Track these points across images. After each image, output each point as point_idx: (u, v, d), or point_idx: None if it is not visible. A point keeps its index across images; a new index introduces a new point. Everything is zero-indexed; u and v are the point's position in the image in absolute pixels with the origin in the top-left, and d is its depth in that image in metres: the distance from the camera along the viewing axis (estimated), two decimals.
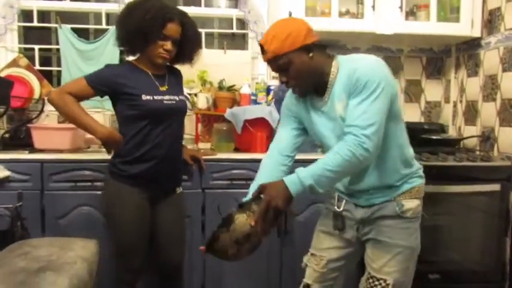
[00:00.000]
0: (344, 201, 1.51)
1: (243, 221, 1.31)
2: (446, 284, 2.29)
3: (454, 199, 2.26)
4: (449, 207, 2.27)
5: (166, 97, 1.76)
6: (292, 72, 1.37)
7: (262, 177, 1.50)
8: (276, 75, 2.75)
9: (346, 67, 1.35)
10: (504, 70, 2.36)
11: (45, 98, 2.57)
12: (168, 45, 1.69)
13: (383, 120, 1.30)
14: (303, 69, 1.36)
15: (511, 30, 2.31)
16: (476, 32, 2.51)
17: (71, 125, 2.27)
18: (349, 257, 1.55)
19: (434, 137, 2.55)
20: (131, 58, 1.85)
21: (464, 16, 2.49)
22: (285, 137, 1.56)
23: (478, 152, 2.43)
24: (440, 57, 2.95)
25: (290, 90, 1.52)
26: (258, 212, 1.29)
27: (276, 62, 1.36)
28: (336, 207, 1.52)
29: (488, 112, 2.48)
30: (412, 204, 1.43)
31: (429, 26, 2.50)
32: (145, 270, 1.85)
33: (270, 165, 1.55)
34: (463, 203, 2.28)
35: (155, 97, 1.72)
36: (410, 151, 1.46)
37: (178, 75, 1.94)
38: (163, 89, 1.77)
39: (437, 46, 2.92)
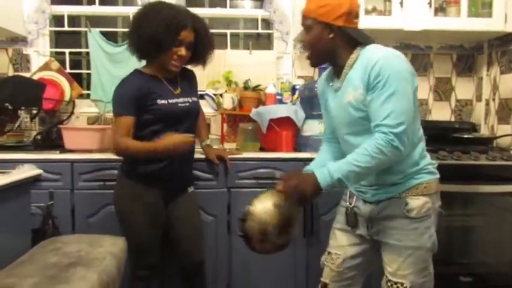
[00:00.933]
0: (355, 197, 1.51)
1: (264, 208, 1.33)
2: (478, 287, 2.21)
3: (487, 199, 2.19)
4: (482, 208, 2.20)
5: (180, 100, 1.79)
6: (309, 38, 1.40)
7: (318, 159, 1.60)
8: (302, 74, 2.79)
9: (366, 56, 1.34)
10: None
11: (75, 100, 2.65)
12: (182, 50, 1.70)
13: (411, 117, 1.29)
14: (318, 43, 1.39)
15: None
16: (510, 27, 2.42)
17: (100, 126, 2.35)
18: (365, 255, 1.53)
19: (466, 136, 2.48)
20: (139, 65, 1.85)
21: (497, 11, 2.40)
22: (327, 123, 1.62)
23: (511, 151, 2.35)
24: (472, 54, 2.86)
25: (321, 78, 1.57)
26: (284, 187, 1.33)
27: (304, 20, 1.41)
28: (348, 203, 1.53)
29: None
30: (418, 202, 1.38)
31: (460, 21, 2.43)
32: (160, 266, 1.88)
33: (325, 149, 1.63)
34: (495, 204, 2.20)
35: (170, 100, 1.75)
36: (419, 149, 1.41)
37: (191, 77, 1.94)
38: (177, 92, 1.79)
39: (468, 42, 2.84)
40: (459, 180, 2.10)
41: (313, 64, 1.48)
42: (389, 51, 1.34)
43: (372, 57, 1.31)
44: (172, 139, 1.68)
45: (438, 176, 1.46)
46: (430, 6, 2.38)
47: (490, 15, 2.42)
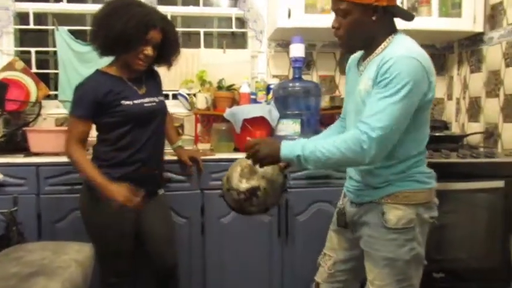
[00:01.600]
0: (347, 197, 1.48)
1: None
2: (451, 282, 2.25)
3: (458, 196, 2.22)
4: (453, 205, 2.23)
5: (146, 100, 1.73)
6: (346, 24, 1.29)
7: (320, 134, 1.61)
8: (277, 73, 2.78)
9: (389, 48, 1.27)
10: (507, 65, 2.31)
11: (42, 101, 2.56)
12: (149, 50, 1.66)
13: (400, 126, 1.22)
14: (359, 27, 1.29)
15: None
16: (479, 27, 2.47)
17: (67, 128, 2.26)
18: (358, 260, 1.46)
19: (437, 134, 2.51)
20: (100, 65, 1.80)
21: (466, 11, 2.45)
22: (344, 102, 1.53)
23: (481, 149, 2.39)
24: (443, 53, 2.91)
25: (355, 55, 1.47)
26: (247, 147, 1.35)
27: (338, 3, 1.29)
28: (341, 203, 1.51)
29: (492, 108, 2.44)
30: (396, 212, 1.30)
31: (431, 21, 2.46)
32: (131, 272, 1.84)
33: (333, 126, 1.61)
34: (466, 201, 2.24)
35: (135, 101, 1.70)
36: (410, 162, 1.33)
37: (156, 76, 1.90)
38: (142, 92, 1.74)
39: (439, 42, 2.88)
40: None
41: (348, 51, 1.40)
42: (410, 50, 1.23)
43: (389, 53, 1.23)
44: (122, 191, 1.60)
45: (430, 186, 1.36)
46: (402, 5, 2.40)
47: (459, 15, 2.46)
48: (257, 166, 1.37)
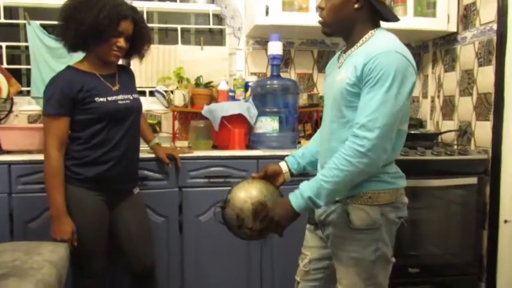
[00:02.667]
0: None
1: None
2: (426, 277, 2.29)
3: (433, 193, 2.27)
4: (428, 201, 2.28)
5: (120, 97, 1.70)
6: (329, 5, 1.30)
7: (309, 145, 1.57)
8: (255, 71, 2.77)
9: (372, 43, 1.26)
10: (480, 65, 2.37)
11: (13, 98, 2.49)
12: (121, 41, 1.64)
13: (396, 121, 1.22)
14: (339, 11, 1.29)
15: (486, 25, 2.32)
16: (452, 27, 2.53)
17: (40, 125, 2.20)
18: (332, 259, 1.45)
19: (413, 132, 2.55)
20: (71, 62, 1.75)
21: (441, 11, 2.50)
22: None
23: (455, 146, 2.45)
24: (418, 52, 2.96)
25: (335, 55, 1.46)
26: (259, 226, 1.33)
27: None
28: None
29: (465, 107, 2.50)
30: (360, 212, 1.30)
31: (406, 20, 2.49)
32: (107, 273, 1.80)
33: (316, 136, 1.59)
34: (441, 197, 2.29)
35: (109, 98, 1.66)
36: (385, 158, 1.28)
37: (129, 73, 1.87)
38: (116, 88, 1.71)
39: (414, 41, 2.93)
40: (406, 174, 2.15)
41: (327, 33, 1.37)
42: (392, 45, 1.23)
43: (375, 49, 1.21)
44: (65, 232, 1.60)
45: (395, 186, 1.33)
46: None
47: (434, 15, 2.51)
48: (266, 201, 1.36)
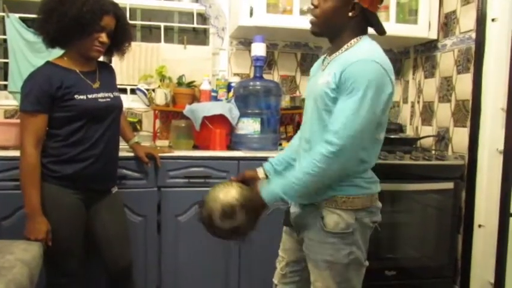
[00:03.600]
0: None
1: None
2: (402, 280, 2.33)
3: (410, 197, 2.30)
4: (406, 205, 2.31)
5: (100, 95, 1.67)
6: (325, 7, 1.31)
7: (285, 152, 1.59)
8: (238, 71, 2.76)
9: (353, 50, 1.28)
10: (459, 72, 2.42)
11: None
12: (103, 37, 1.62)
13: (369, 130, 1.23)
14: (333, 16, 1.30)
15: (465, 33, 2.37)
16: (433, 34, 2.57)
17: (17, 121, 2.14)
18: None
19: (392, 136, 2.59)
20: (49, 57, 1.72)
21: (422, 18, 2.54)
22: None
23: (433, 151, 2.49)
24: (399, 58, 3.00)
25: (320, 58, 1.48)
26: (228, 226, 1.34)
27: None
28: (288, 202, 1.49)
29: (444, 113, 2.55)
30: (333, 216, 1.31)
31: (389, 26, 2.45)
32: (82, 272, 1.78)
33: (295, 138, 1.59)
34: (418, 201, 2.33)
35: (89, 96, 1.63)
36: (358, 168, 1.31)
37: (110, 71, 1.85)
38: (96, 86, 1.69)
39: (396, 47, 2.97)
40: (385, 179, 2.16)
41: (315, 32, 1.38)
42: (372, 54, 1.25)
43: (352, 57, 1.23)
44: (39, 231, 1.57)
45: (369, 191, 1.34)
46: None
47: (415, 22, 2.55)
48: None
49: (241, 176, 1.56)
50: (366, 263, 1.40)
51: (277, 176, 1.49)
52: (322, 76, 1.33)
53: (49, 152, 1.63)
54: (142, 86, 2.57)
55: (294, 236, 1.49)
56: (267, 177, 1.56)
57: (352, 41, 1.31)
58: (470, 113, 2.29)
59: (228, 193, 1.36)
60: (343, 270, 1.33)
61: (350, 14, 1.29)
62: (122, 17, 1.70)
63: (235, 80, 2.59)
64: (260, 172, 1.58)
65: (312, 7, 1.36)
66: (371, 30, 1.38)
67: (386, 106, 1.27)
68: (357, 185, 1.32)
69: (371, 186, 1.35)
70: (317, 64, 1.49)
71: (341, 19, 1.31)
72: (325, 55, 1.44)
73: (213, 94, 2.55)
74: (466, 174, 2.31)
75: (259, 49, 2.34)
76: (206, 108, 2.28)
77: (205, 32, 2.88)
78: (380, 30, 1.37)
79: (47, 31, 1.58)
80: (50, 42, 1.62)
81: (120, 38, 1.72)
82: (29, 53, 2.45)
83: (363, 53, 1.25)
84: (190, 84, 2.56)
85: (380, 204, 1.41)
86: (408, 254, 2.36)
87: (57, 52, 1.71)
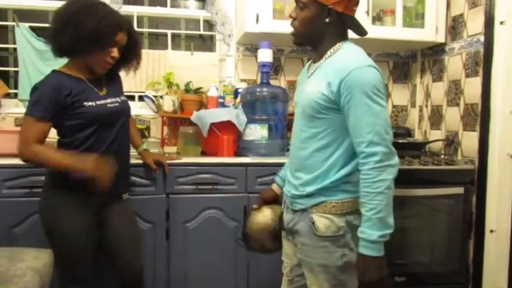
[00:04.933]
0: (286, 202, 1.50)
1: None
2: (412, 286, 2.30)
3: (420, 202, 2.28)
4: (415, 210, 2.29)
5: (108, 100, 1.69)
6: (302, 17, 1.34)
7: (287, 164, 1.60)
8: (245, 77, 2.77)
9: (343, 59, 1.29)
10: (467, 76, 2.40)
11: (1, 100, 2.45)
12: (115, 51, 1.63)
13: (390, 126, 1.25)
14: (310, 24, 1.33)
15: (473, 37, 2.36)
16: (441, 38, 2.56)
17: None
18: None
19: (401, 141, 2.57)
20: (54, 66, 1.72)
21: (429, 22, 2.53)
22: None
23: (442, 156, 2.47)
24: (407, 62, 2.99)
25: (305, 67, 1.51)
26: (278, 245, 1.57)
27: None
28: (282, 206, 1.53)
29: (452, 117, 2.53)
30: (324, 220, 1.32)
31: (395, 31, 2.53)
32: (93, 278, 1.77)
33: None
34: (428, 206, 2.31)
35: (98, 102, 1.65)
36: (346, 169, 1.32)
37: (114, 76, 1.86)
38: (103, 93, 1.70)
39: (403, 51, 2.96)
40: (394, 184, 2.17)
41: (297, 43, 1.42)
42: (365, 59, 1.28)
43: (347, 65, 1.24)
44: (91, 162, 1.54)
45: (358, 194, 1.32)
46: (368, 15, 2.45)
47: (422, 25, 2.54)
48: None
49: (262, 200, 1.64)
50: None
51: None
52: (309, 84, 1.36)
53: None
54: (150, 93, 2.59)
55: (292, 240, 1.49)
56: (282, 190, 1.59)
57: (334, 47, 1.34)
58: (480, 117, 2.27)
59: (266, 217, 1.54)
60: (338, 274, 1.34)
61: (327, 20, 1.32)
62: (135, 34, 1.73)
63: (242, 86, 2.60)
64: (276, 189, 1.64)
65: (291, 19, 1.40)
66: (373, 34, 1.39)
67: None
68: (344, 189, 1.33)
69: (358, 190, 1.35)
70: (303, 72, 1.51)
71: (319, 26, 1.33)
72: (309, 63, 1.46)
73: (220, 100, 2.56)
74: (476, 179, 2.29)
75: (265, 55, 2.35)
76: (213, 115, 2.29)
77: (211, 38, 2.89)
78: (360, 32, 1.39)
79: (59, 42, 1.59)
80: (60, 52, 1.63)
81: (130, 54, 1.74)
82: (39, 61, 2.48)
83: (356, 60, 1.27)
84: (197, 91, 2.57)
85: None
86: (418, 260, 2.34)
87: (64, 61, 1.73)
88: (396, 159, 1.26)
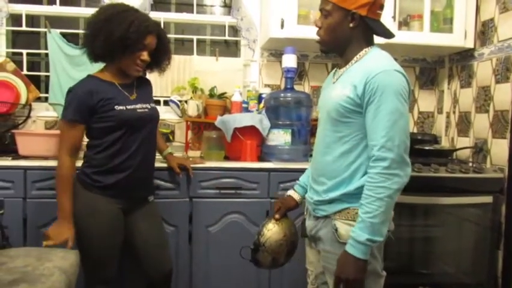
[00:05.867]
0: (308, 208, 1.49)
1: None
2: None
3: (447, 211, 2.23)
4: (442, 219, 2.24)
5: (138, 106, 1.74)
6: (325, 24, 1.35)
7: (308, 172, 1.60)
8: (269, 82, 2.78)
9: (369, 63, 1.29)
10: (497, 82, 2.34)
11: (32, 104, 2.54)
12: (145, 55, 1.68)
13: (408, 135, 1.24)
14: (335, 30, 1.33)
15: (504, 42, 2.29)
16: (470, 43, 2.50)
17: (56, 132, 2.24)
18: None
19: (427, 148, 2.52)
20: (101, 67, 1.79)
21: (457, 27, 2.48)
22: None
23: (470, 164, 2.40)
24: (434, 67, 2.93)
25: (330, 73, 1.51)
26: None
27: (324, 2, 1.34)
28: (305, 212, 1.51)
29: (481, 123, 2.46)
30: (348, 228, 1.30)
31: (423, 36, 2.48)
32: (118, 279, 1.82)
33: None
34: (455, 215, 2.25)
35: (128, 106, 1.69)
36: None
37: (147, 83, 1.91)
38: (133, 98, 1.74)
39: (430, 56, 2.91)
40: (420, 192, 2.13)
41: (323, 50, 1.42)
42: (391, 64, 1.27)
43: (374, 68, 1.24)
44: (62, 236, 1.58)
45: None
46: (394, 20, 2.42)
47: (451, 30, 2.49)
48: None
49: (284, 208, 1.58)
50: (384, 273, 1.39)
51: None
52: (334, 89, 1.36)
53: (92, 163, 1.69)
54: (175, 98, 2.63)
55: (315, 248, 1.48)
56: (303, 198, 1.58)
57: (361, 53, 1.34)
58: (510, 124, 2.21)
59: (287, 229, 1.50)
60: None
61: (351, 24, 1.31)
62: (163, 36, 1.77)
63: (266, 91, 2.61)
64: (296, 196, 1.61)
65: (315, 25, 1.40)
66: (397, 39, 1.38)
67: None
68: None
69: None
70: (328, 78, 1.51)
71: (344, 32, 1.33)
72: (335, 69, 1.46)
73: (244, 105, 2.58)
74: (506, 188, 2.22)
75: (290, 60, 2.35)
76: (237, 120, 2.30)
77: (236, 44, 2.92)
78: (387, 35, 1.37)
79: (92, 48, 1.65)
80: (95, 58, 1.70)
81: (161, 56, 1.79)
82: (69, 66, 2.56)
83: (383, 64, 1.26)
84: (221, 96, 2.60)
85: (392, 213, 1.39)
86: (444, 269, 2.28)
87: (95, 65, 1.78)
88: (407, 171, 1.24)
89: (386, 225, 1.25)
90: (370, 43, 1.36)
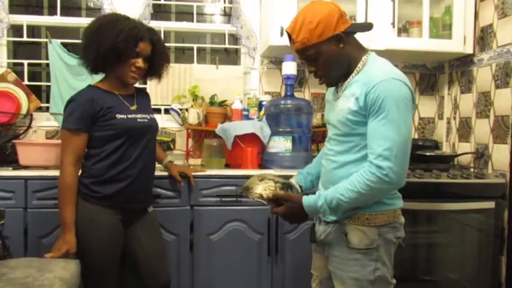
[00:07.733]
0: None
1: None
2: None
3: (448, 217, 2.22)
4: (444, 225, 2.23)
5: (139, 115, 1.74)
6: (321, 63, 1.33)
7: (312, 165, 1.65)
8: (269, 90, 2.78)
9: (369, 71, 1.30)
10: (497, 87, 2.34)
11: (33, 114, 2.55)
12: (140, 62, 1.68)
13: (408, 145, 1.25)
14: (333, 59, 1.32)
15: (503, 47, 2.30)
16: (469, 49, 2.51)
17: (57, 141, 2.24)
18: None
19: (428, 153, 2.52)
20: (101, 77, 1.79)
21: (457, 33, 2.49)
22: None
23: (472, 169, 2.40)
24: (433, 73, 2.94)
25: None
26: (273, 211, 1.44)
27: (305, 52, 1.32)
28: (314, 218, 1.51)
29: (482, 129, 2.46)
30: (358, 233, 1.32)
31: (422, 42, 2.49)
32: None
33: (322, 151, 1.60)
34: (457, 221, 2.24)
35: (129, 116, 1.70)
36: None
37: (145, 95, 1.92)
38: (133, 108, 1.75)
39: (430, 62, 2.92)
40: (421, 198, 2.13)
41: (335, 84, 1.41)
42: (390, 72, 1.28)
43: (373, 78, 1.25)
44: (72, 245, 1.60)
45: (392, 207, 1.36)
46: (394, 26, 2.43)
47: (450, 36, 2.50)
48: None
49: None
50: (394, 281, 1.38)
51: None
52: (338, 103, 1.37)
53: (90, 173, 1.68)
54: (176, 106, 2.63)
55: (323, 253, 1.48)
56: (300, 186, 1.60)
57: (359, 64, 1.34)
58: (511, 129, 2.20)
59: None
60: (369, 287, 1.33)
61: (341, 45, 1.32)
62: (158, 41, 1.76)
63: (266, 99, 2.61)
64: (294, 182, 1.62)
65: (312, 74, 1.40)
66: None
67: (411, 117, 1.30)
68: (379, 201, 1.33)
69: (394, 202, 1.36)
70: (331, 91, 1.50)
71: (340, 56, 1.33)
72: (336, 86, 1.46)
73: (244, 113, 2.58)
74: (508, 193, 2.21)
75: (290, 68, 2.36)
76: (238, 127, 2.30)
77: (236, 52, 2.93)
78: (367, 28, 1.38)
79: (87, 58, 1.66)
80: (91, 69, 1.70)
81: (156, 61, 1.78)
82: (70, 76, 2.57)
83: (382, 73, 1.27)
84: (222, 104, 2.60)
85: (403, 220, 1.41)
86: (447, 276, 2.26)
87: (95, 76, 1.79)
88: (400, 183, 1.25)
89: (344, 211, 1.32)
90: (363, 49, 1.37)
